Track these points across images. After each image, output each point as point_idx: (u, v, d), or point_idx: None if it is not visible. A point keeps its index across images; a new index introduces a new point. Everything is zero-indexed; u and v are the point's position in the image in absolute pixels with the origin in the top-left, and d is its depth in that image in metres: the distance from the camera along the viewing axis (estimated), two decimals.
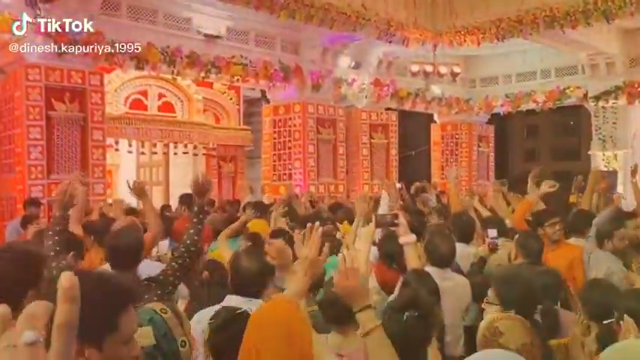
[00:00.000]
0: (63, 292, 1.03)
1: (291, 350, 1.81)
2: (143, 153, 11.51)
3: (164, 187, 12.16)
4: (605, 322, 2.33)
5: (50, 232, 3.17)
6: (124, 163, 12.34)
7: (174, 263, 3.14)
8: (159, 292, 2.95)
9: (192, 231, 3.22)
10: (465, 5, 11.17)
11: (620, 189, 12.55)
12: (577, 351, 2.31)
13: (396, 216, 3.22)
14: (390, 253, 3.87)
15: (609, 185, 8.34)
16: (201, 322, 2.63)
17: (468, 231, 4.62)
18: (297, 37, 10.93)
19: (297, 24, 9.45)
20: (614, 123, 12.97)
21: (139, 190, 4.21)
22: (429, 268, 3.35)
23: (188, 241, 3.19)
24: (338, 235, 4.90)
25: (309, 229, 2.06)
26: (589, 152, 13.69)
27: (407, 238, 3.27)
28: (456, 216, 4.98)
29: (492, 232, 4.47)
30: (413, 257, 3.28)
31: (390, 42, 10.75)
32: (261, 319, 1.86)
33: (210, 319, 2.42)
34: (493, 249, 4.36)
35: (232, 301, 2.69)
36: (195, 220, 3.29)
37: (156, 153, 11.74)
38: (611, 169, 12.89)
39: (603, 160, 13.15)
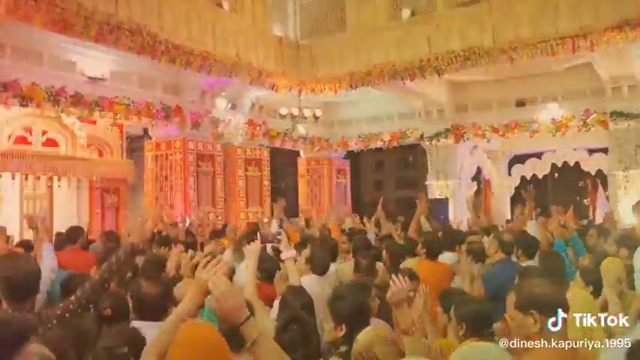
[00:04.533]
0: None
1: None
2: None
3: (48, 218, 11.13)
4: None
5: None
6: (7, 196, 11.13)
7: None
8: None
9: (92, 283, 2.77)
10: (324, 59, 11.64)
11: (450, 213, 13.45)
12: None
13: (278, 233, 3.20)
14: (268, 270, 3.81)
15: (429, 209, 8.76)
16: None
17: None
18: (177, 80, 10.66)
19: (178, 69, 9.21)
20: (444, 158, 13.94)
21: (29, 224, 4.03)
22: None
23: (87, 291, 2.70)
24: None
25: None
26: (426, 182, 14.55)
27: (287, 253, 3.25)
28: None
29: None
30: (292, 272, 3.26)
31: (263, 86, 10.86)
32: (187, 345, 1.57)
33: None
34: None
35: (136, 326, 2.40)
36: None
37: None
38: (444, 196, 13.79)
39: (437, 189, 14.03)
